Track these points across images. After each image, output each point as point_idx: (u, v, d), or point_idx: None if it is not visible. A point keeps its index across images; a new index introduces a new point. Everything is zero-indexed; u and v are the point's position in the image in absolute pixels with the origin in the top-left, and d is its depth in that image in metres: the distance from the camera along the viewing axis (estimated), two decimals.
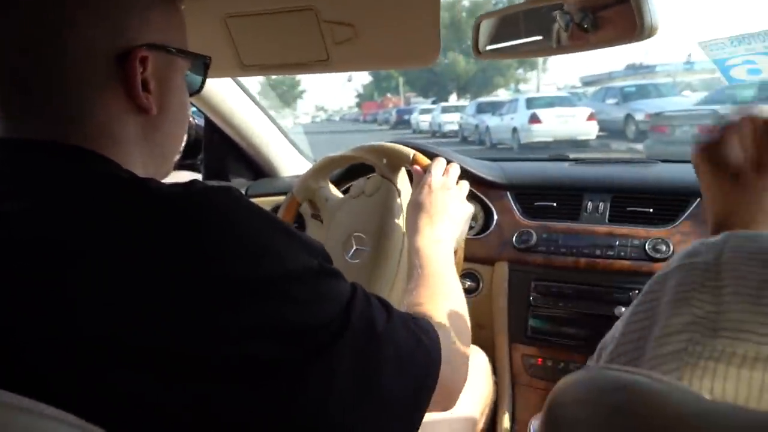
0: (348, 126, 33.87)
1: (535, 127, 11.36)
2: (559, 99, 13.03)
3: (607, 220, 1.19)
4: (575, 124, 11.30)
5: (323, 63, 1.08)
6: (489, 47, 0.99)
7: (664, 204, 1.16)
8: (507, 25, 0.98)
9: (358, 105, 52.71)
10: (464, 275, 1.25)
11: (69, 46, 0.47)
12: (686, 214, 1.13)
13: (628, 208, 1.19)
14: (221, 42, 1.06)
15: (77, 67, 0.48)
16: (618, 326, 0.35)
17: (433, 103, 26.64)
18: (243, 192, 1.51)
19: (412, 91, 40.79)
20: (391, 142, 1.10)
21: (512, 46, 0.99)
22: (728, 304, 0.28)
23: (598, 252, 1.14)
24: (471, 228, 1.28)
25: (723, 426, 0.25)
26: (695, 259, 0.30)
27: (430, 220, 0.83)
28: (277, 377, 0.41)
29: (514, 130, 11.76)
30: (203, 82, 0.62)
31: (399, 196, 1.01)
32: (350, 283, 0.49)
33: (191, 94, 0.60)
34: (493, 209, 1.29)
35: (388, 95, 44.59)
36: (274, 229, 0.46)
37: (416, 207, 0.86)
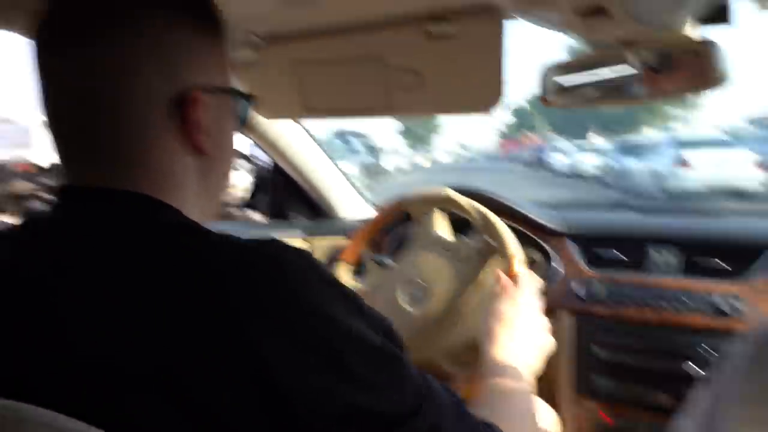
0: (486, 164, 33.76)
1: (685, 172, 9.61)
2: (715, 140, 11.13)
3: (676, 273, 1.16)
4: (735, 170, 9.39)
5: (387, 108, 1.11)
6: (557, 96, 0.99)
7: (736, 257, 1.12)
8: (576, 73, 0.98)
9: (500, 143, 53.69)
10: None
11: (128, 92, 0.47)
12: (760, 269, 1.09)
13: (698, 260, 1.15)
14: (290, 85, 1.11)
15: (137, 112, 0.48)
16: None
17: (573, 142, 25.50)
18: (303, 233, 1.54)
19: (552, 129, 40.42)
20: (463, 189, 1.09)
21: (582, 94, 0.99)
22: None
23: (666, 305, 1.11)
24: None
25: None
26: None
27: (513, 343, 0.79)
28: None
29: (659, 175, 10.10)
30: (246, 118, 0.62)
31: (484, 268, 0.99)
32: (420, 375, 0.47)
33: (237, 131, 0.61)
34: (554, 256, 1.27)
35: (528, 133, 44.25)
36: (345, 301, 0.45)
37: (502, 320, 0.81)
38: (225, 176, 0.59)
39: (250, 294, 0.41)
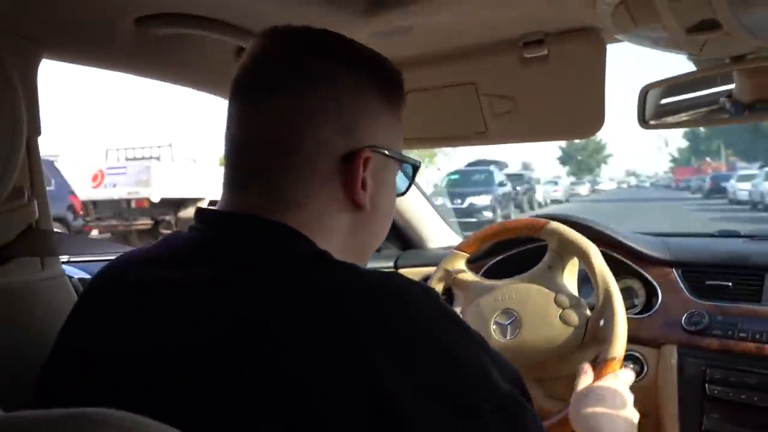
0: (654, 193, 31.83)
1: None
2: None
3: None
4: None
5: (481, 135, 1.12)
6: (656, 119, 0.97)
7: None
8: (675, 93, 0.96)
9: (673, 170, 51.01)
10: (627, 357, 1.16)
11: (306, 143, 0.51)
12: None
13: None
14: None
15: (309, 160, 0.51)
16: None
17: (760, 168, 21.60)
18: (393, 262, 1.56)
19: (735, 155, 37.37)
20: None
21: (682, 115, 0.97)
22: None
23: None
24: (633, 306, 1.23)
25: None
26: None
27: None
28: None
29: None
30: (410, 185, 0.64)
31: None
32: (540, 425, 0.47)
33: (397, 195, 0.62)
34: (657, 287, 1.21)
35: (708, 159, 41.98)
36: (470, 341, 0.46)
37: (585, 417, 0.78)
38: (378, 235, 0.61)
39: (374, 320, 0.42)
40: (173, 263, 0.52)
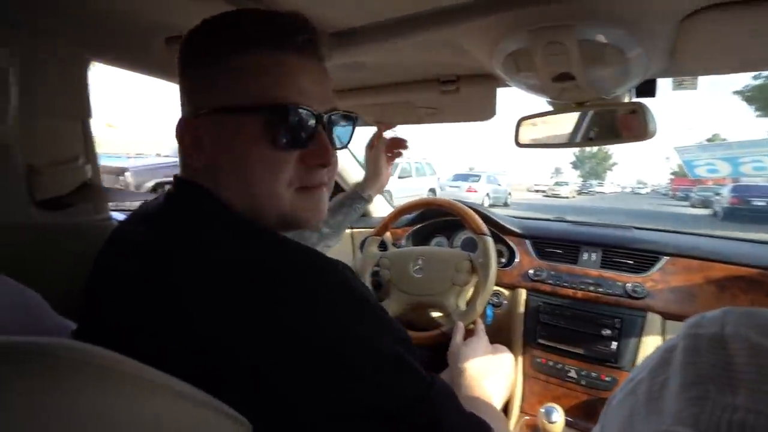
0: (647, 200, 27.26)
1: None
2: None
3: (598, 266, 1.26)
4: None
5: (420, 121, 1.24)
6: (527, 140, 1.05)
7: (640, 258, 1.23)
8: (544, 122, 1.04)
9: (672, 180, 43.89)
10: (492, 294, 1.33)
11: (183, 113, 0.50)
12: (657, 267, 1.19)
13: (614, 259, 1.26)
14: None
15: (183, 132, 0.50)
16: (642, 376, 0.28)
17: None
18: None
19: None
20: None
21: (546, 138, 1.05)
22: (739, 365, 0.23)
23: (591, 288, 1.21)
24: (500, 262, 1.38)
25: None
26: (700, 331, 0.26)
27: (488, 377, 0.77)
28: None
29: None
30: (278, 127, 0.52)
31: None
32: (429, 376, 0.43)
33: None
34: (516, 251, 1.38)
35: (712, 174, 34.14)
36: (364, 311, 0.41)
37: (473, 358, 0.80)
38: (249, 185, 0.48)
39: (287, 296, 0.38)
40: (139, 220, 0.50)
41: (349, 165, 1.65)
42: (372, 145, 1.04)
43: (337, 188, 1.71)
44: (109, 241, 0.49)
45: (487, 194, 14.72)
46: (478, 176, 15.11)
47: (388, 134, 1.10)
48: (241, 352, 0.36)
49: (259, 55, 0.46)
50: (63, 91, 0.89)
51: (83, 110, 0.92)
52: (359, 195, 1.03)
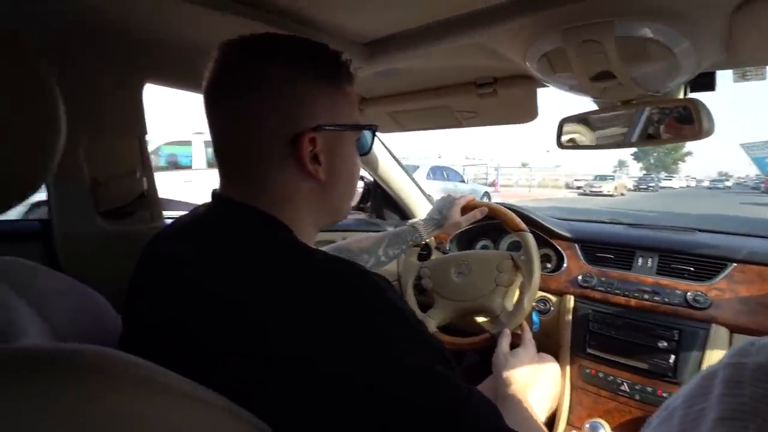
0: (724, 196, 23.82)
1: None
2: None
3: (654, 273, 1.17)
4: None
5: (458, 125, 1.25)
6: (569, 143, 1.01)
7: (702, 264, 1.13)
8: (586, 123, 1.00)
9: None
10: (538, 300, 1.28)
11: (256, 137, 0.49)
12: (723, 275, 1.09)
13: (673, 266, 1.17)
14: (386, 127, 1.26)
15: (262, 152, 0.49)
16: (677, 407, 0.26)
17: None
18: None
19: None
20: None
21: (589, 140, 1.01)
22: None
23: (646, 296, 1.13)
24: (547, 267, 1.34)
25: None
26: (745, 360, 0.24)
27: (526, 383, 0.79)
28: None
29: None
30: (371, 146, 0.61)
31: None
32: (467, 389, 0.41)
33: (362, 155, 0.59)
34: (564, 255, 1.32)
35: None
36: (405, 324, 0.41)
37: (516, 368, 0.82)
38: (345, 196, 0.56)
39: (326, 306, 0.39)
40: (178, 236, 0.50)
41: (417, 196, 1.71)
42: (471, 208, 1.14)
43: (389, 201, 1.73)
44: (153, 254, 0.51)
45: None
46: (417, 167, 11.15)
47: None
48: (320, 363, 0.37)
49: (349, 87, 0.55)
50: (122, 112, 0.96)
51: (140, 128, 0.99)
52: (420, 235, 1.11)
